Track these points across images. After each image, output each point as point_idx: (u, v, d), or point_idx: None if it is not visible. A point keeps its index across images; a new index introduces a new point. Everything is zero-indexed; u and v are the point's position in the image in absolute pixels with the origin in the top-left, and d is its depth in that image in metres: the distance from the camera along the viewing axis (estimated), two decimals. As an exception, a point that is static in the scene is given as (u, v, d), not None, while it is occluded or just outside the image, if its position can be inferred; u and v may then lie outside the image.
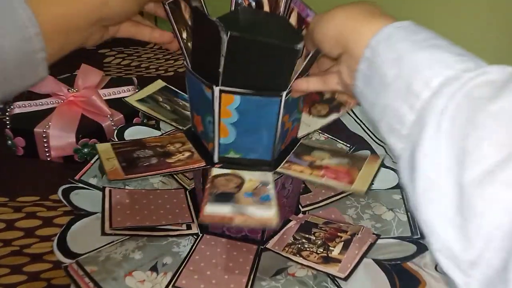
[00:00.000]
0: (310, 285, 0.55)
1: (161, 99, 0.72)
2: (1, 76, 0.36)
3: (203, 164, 0.57)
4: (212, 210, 0.50)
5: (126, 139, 0.78)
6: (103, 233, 0.58)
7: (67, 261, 0.55)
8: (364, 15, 0.41)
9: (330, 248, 0.59)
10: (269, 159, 0.57)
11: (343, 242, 0.59)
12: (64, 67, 1.08)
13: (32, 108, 0.82)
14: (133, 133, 0.80)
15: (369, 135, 0.90)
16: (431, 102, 0.31)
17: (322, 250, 0.58)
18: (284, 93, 0.52)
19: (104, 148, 0.59)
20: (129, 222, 0.60)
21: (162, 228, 0.61)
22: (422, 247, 0.59)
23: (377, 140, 0.89)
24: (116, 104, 0.85)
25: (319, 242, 0.60)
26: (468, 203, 0.29)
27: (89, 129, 0.79)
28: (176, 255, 0.58)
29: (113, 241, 0.59)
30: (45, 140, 0.76)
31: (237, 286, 0.53)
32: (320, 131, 0.86)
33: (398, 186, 0.72)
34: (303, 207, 0.69)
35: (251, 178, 0.55)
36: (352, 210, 0.68)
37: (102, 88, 0.89)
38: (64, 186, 0.67)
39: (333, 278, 0.55)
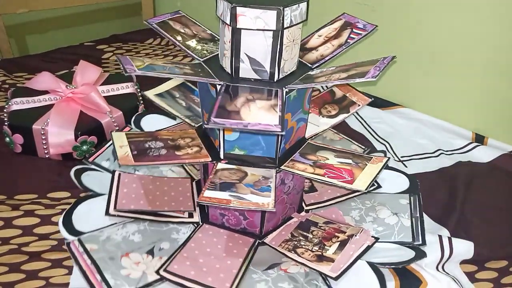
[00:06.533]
0: (300, 282, 0.55)
1: (177, 95, 0.74)
2: None
3: (209, 159, 0.58)
4: (211, 194, 0.52)
5: (142, 126, 0.80)
6: (107, 213, 0.61)
7: (70, 238, 0.58)
8: None
9: (325, 247, 0.58)
10: (273, 156, 0.58)
11: (339, 242, 0.59)
12: (62, 64, 1.07)
13: (30, 105, 0.80)
14: (149, 120, 0.82)
15: (371, 133, 0.89)
16: None
17: (317, 249, 0.58)
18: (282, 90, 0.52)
19: (118, 135, 0.62)
20: (132, 205, 0.62)
21: (165, 214, 0.63)
22: (420, 254, 0.58)
23: (378, 138, 0.87)
24: (115, 100, 0.82)
25: (315, 241, 0.60)
26: None
27: (88, 126, 0.77)
28: (174, 241, 0.60)
29: (116, 223, 0.61)
30: (43, 137, 0.75)
31: (227, 276, 0.54)
32: (335, 132, 0.86)
33: (407, 191, 0.71)
34: (306, 205, 0.68)
35: (254, 172, 0.57)
36: (356, 212, 0.67)
37: (101, 85, 0.87)
38: (77, 167, 0.70)
39: (324, 277, 0.55)
